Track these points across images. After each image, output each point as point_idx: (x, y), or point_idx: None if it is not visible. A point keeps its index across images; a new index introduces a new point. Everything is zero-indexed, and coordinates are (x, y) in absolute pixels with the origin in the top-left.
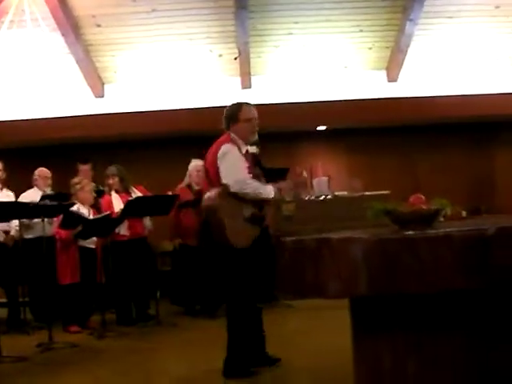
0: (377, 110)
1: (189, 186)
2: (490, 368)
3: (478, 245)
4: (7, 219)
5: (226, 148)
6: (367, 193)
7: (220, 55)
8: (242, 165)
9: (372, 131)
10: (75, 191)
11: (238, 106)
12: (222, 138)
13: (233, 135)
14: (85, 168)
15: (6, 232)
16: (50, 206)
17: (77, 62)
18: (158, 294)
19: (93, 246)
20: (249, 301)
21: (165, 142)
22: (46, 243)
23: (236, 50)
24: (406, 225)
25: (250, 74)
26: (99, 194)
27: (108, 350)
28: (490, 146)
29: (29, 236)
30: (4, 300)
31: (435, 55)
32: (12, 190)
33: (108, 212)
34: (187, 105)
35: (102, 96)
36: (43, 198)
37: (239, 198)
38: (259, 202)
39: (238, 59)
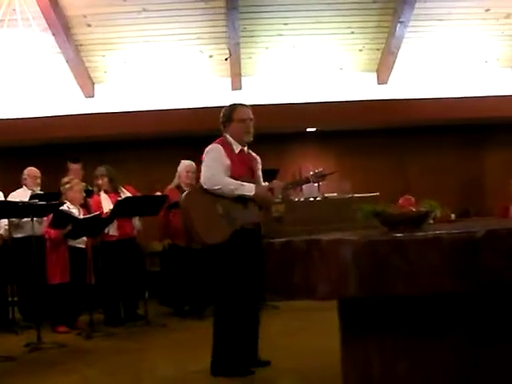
0: (367, 112)
1: (178, 187)
2: (479, 370)
3: (467, 247)
4: None
5: (210, 147)
6: (357, 195)
7: (210, 56)
8: (220, 163)
9: (362, 133)
10: (65, 190)
11: (233, 107)
12: (217, 140)
13: (227, 136)
14: (75, 167)
15: None
16: (39, 205)
17: (67, 61)
18: (147, 295)
19: (83, 246)
20: (234, 300)
21: (155, 142)
22: (35, 242)
23: (227, 51)
24: (395, 227)
25: (240, 75)
26: (88, 193)
27: (96, 350)
28: (480, 149)
29: (18, 235)
30: None
31: (425, 57)
32: (1, 189)
33: (98, 212)
34: (177, 105)
35: (93, 96)
36: (33, 197)
37: (214, 195)
38: (242, 200)
39: (228, 60)
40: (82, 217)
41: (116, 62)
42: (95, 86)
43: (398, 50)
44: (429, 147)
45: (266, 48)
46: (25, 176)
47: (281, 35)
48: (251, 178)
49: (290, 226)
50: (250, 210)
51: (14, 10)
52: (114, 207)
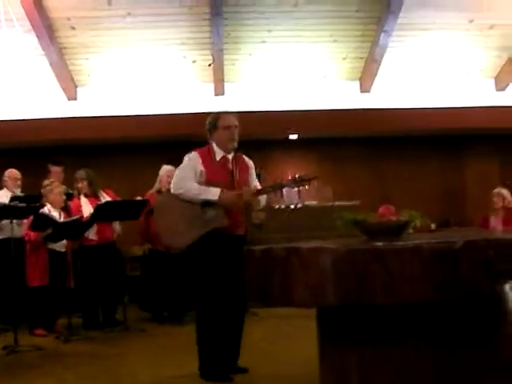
0: (349, 121)
1: (159, 192)
2: (457, 378)
3: (446, 257)
4: None
5: (187, 155)
6: (338, 203)
7: (194, 61)
8: (192, 169)
9: (344, 141)
10: (46, 193)
11: (218, 115)
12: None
13: (212, 143)
14: (56, 170)
15: None
16: (19, 207)
17: (50, 64)
18: (127, 299)
19: (62, 250)
20: (210, 306)
21: (137, 146)
22: (15, 245)
23: (210, 57)
24: (375, 236)
25: (223, 80)
26: (68, 197)
27: (74, 354)
28: (461, 159)
29: None
30: None
31: (408, 67)
32: None
33: (78, 216)
34: (160, 110)
35: (75, 99)
36: (13, 199)
37: (183, 200)
38: (208, 205)
39: (211, 66)
40: (62, 220)
41: (99, 66)
42: (78, 89)
43: (381, 58)
44: (410, 157)
45: (250, 55)
46: (5, 178)
47: (264, 42)
48: (231, 184)
49: (271, 233)
50: (215, 215)
51: None
52: (95, 211)
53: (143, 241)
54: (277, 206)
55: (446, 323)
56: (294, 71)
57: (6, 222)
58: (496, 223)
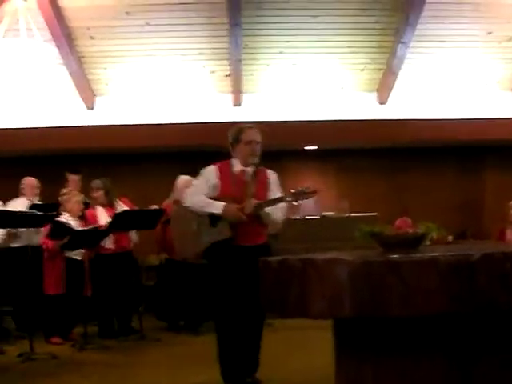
0: (366, 132)
1: (175, 202)
2: None
3: (463, 270)
4: None
5: (206, 168)
6: (355, 214)
7: (212, 72)
8: (206, 183)
9: (361, 152)
10: (63, 201)
11: (241, 128)
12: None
13: (234, 156)
14: (74, 178)
15: None
16: (36, 215)
17: (69, 73)
18: (142, 309)
19: (79, 258)
20: (221, 316)
21: (154, 156)
22: (32, 253)
23: (228, 67)
24: (391, 248)
25: (241, 91)
26: (86, 206)
27: (89, 362)
28: (479, 170)
29: (15, 245)
30: None
31: (426, 79)
32: (0, 198)
33: (96, 225)
34: (178, 120)
35: (93, 108)
36: (31, 207)
37: (193, 212)
38: (214, 218)
39: (229, 76)
40: (79, 228)
41: (118, 75)
42: (96, 98)
43: (398, 70)
44: (427, 168)
45: (268, 65)
46: (23, 186)
47: (282, 53)
48: (241, 197)
49: (287, 244)
50: (220, 227)
51: (18, 19)
52: (112, 220)
53: (160, 250)
54: (293, 217)
55: (462, 336)
56: (312, 82)
57: (23, 229)
58: None
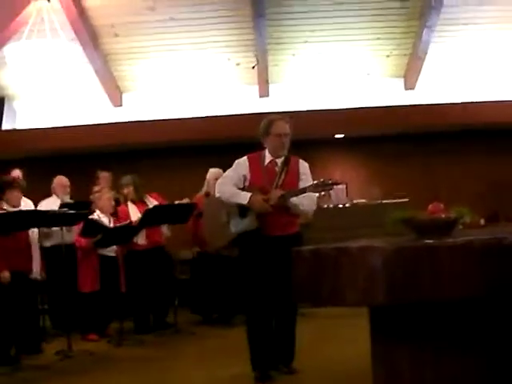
0: (394, 118)
1: (207, 195)
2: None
3: (497, 253)
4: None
5: (238, 159)
6: (385, 201)
7: (238, 64)
8: (236, 173)
9: (390, 139)
10: (95, 199)
11: (271, 121)
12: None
13: (265, 147)
14: (105, 175)
15: None
16: (68, 214)
17: (95, 71)
18: (176, 303)
19: (113, 255)
20: (249, 306)
21: (183, 150)
22: (66, 251)
23: (254, 59)
24: (424, 233)
25: (267, 82)
26: (117, 203)
27: (126, 358)
28: (508, 152)
29: (48, 244)
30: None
31: (453, 62)
32: (31, 198)
33: (128, 221)
34: (205, 113)
35: (121, 105)
36: (63, 206)
37: (223, 203)
38: (243, 208)
39: (255, 67)
40: (112, 225)
41: (144, 71)
42: (123, 95)
43: (425, 55)
44: (457, 152)
45: (293, 55)
46: (54, 185)
47: (307, 42)
48: (270, 188)
49: (318, 233)
50: (248, 218)
51: (42, 20)
52: (143, 216)
53: (192, 244)
54: (325, 206)
55: (498, 321)
56: (338, 70)
57: (56, 228)
58: None
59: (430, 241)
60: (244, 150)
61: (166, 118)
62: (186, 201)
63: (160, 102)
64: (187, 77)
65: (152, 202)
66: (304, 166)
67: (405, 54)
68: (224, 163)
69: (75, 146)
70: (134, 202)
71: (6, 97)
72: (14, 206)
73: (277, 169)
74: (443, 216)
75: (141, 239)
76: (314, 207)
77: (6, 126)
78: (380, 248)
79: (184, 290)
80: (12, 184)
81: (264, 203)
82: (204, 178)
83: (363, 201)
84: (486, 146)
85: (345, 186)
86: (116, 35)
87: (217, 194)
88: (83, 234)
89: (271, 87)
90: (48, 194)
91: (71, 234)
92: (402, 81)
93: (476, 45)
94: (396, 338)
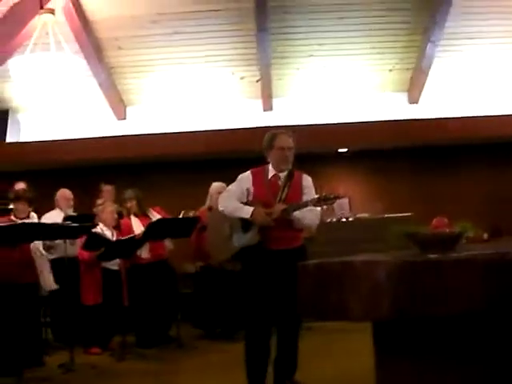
0: (398, 132)
1: (210, 209)
2: None
3: (502, 268)
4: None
5: (241, 174)
6: (389, 215)
7: (242, 78)
8: (239, 187)
9: (393, 153)
10: (98, 212)
11: (274, 135)
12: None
13: (269, 161)
14: (108, 188)
15: None
16: (72, 227)
17: (99, 84)
18: (179, 317)
19: (116, 268)
20: (248, 321)
21: (187, 163)
22: (69, 264)
23: (258, 73)
24: (428, 248)
25: (271, 96)
26: (119, 216)
27: (129, 372)
28: (510, 166)
29: (51, 257)
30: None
31: (456, 76)
32: (35, 211)
33: (132, 235)
34: (209, 127)
35: (125, 118)
36: (66, 219)
37: (228, 217)
38: (246, 222)
39: (259, 81)
40: (115, 239)
41: (148, 85)
42: (127, 108)
43: (428, 69)
44: (460, 166)
45: (297, 69)
46: (57, 198)
47: (311, 56)
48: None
49: (321, 247)
50: (251, 232)
51: (46, 33)
52: (147, 229)
53: (195, 258)
54: (328, 220)
55: (503, 336)
56: (342, 84)
57: (59, 241)
58: None
59: (435, 255)
60: (247, 164)
61: (170, 131)
62: (192, 213)
63: (164, 116)
64: (191, 90)
65: (155, 216)
66: (307, 180)
67: (408, 69)
68: (227, 177)
69: (79, 159)
70: (136, 216)
71: (11, 109)
72: (21, 219)
73: (280, 183)
74: (447, 231)
75: (144, 253)
76: (318, 221)
77: (10, 139)
78: (384, 262)
79: (187, 304)
80: (18, 196)
81: (266, 217)
82: (207, 192)
83: (366, 215)
84: (489, 160)
85: (348, 200)
86: (120, 48)
87: (220, 208)
88: (86, 247)
89: (275, 101)
90: (51, 207)
91: (74, 247)
92: (405, 95)
93: (480, 59)
94: (399, 353)
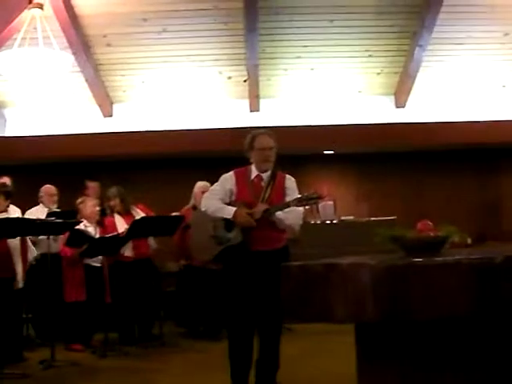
0: (384, 136)
1: (194, 208)
2: None
3: (487, 272)
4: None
5: (224, 174)
6: (373, 218)
7: (229, 77)
8: (222, 188)
9: (379, 156)
10: (80, 208)
11: (253, 135)
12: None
13: (251, 162)
14: (93, 185)
15: None
16: (55, 223)
17: (86, 80)
18: (162, 314)
19: (99, 265)
20: (230, 322)
21: (172, 162)
22: (51, 260)
23: (245, 73)
24: (413, 251)
25: (258, 96)
26: (102, 212)
27: (110, 369)
28: (497, 173)
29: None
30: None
31: (443, 81)
32: (19, 206)
33: (115, 233)
34: (195, 126)
35: (111, 115)
36: (50, 214)
37: (211, 217)
38: (229, 222)
39: (247, 82)
40: (98, 236)
41: (135, 82)
42: (114, 105)
43: (416, 73)
44: (446, 171)
45: (285, 70)
46: (41, 194)
47: (300, 57)
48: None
49: (305, 249)
50: (234, 233)
51: (35, 28)
52: (130, 227)
53: (179, 256)
54: (312, 221)
55: (488, 339)
56: (330, 86)
57: (42, 237)
58: None
59: (420, 259)
60: (233, 163)
61: (156, 129)
62: (174, 214)
63: (150, 114)
64: (178, 89)
65: (139, 213)
66: (290, 180)
67: (396, 72)
68: (212, 176)
69: (64, 155)
70: (120, 214)
71: None
72: None
73: (263, 183)
74: (432, 234)
75: (127, 251)
76: (300, 222)
77: None
78: (369, 265)
79: (170, 302)
80: None
81: (248, 217)
82: (192, 191)
83: (351, 218)
84: (475, 166)
85: (333, 203)
86: (108, 45)
87: (202, 208)
88: (68, 243)
89: (262, 102)
90: (35, 203)
91: (57, 244)
92: (392, 98)
93: (468, 65)
94: (383, 357)
